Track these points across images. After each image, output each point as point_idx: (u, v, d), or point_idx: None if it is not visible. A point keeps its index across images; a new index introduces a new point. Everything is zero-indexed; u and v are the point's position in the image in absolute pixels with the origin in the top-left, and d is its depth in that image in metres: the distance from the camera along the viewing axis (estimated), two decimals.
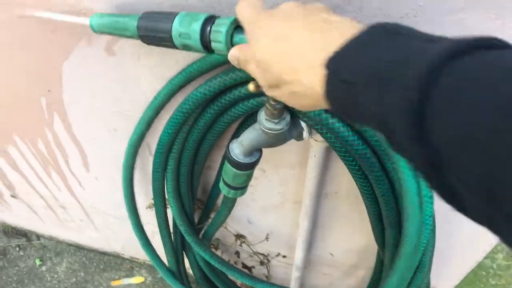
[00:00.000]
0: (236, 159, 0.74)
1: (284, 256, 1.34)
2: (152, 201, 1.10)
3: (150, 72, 0.84)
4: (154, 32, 0.61)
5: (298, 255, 1.18)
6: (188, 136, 0.88)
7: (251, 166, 0.76)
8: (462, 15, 0.57)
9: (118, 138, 1.05)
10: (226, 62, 0.64)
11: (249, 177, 0.80)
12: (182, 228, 1.07)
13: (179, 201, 1.01)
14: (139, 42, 0.65)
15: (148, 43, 0.64)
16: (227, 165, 0.77)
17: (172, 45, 0.61)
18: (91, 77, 0.91)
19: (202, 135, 0.87)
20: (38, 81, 0.97)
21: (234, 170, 0.76)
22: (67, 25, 0.79)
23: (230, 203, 0.92)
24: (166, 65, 0.81)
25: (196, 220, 1.16)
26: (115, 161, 1.09)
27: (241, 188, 0.82)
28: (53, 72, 0.93)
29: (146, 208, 1.28)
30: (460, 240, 0.98)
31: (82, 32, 0.81)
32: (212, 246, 1.34)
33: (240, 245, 1.34)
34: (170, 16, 0.60)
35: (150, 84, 0.86)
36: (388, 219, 0.81)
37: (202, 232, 1.17)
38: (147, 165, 1.09)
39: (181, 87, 0.80)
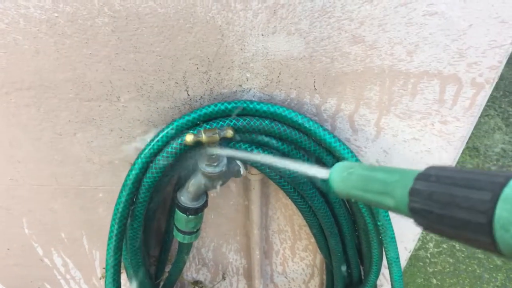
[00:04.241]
0: (185, 205, 0.82)
1: None
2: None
3: None
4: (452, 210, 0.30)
5: (257, 286, 1.24)
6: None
7: (200, 210, 0.84)
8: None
9: None
10: None
11: (200, 220, 0.87)
12: None
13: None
14: None
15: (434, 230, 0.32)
16: (178, 213, 0.83)
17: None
18: None
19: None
20: None
21: (185, 216, 0.83)
22: None
23: (186, 249, 0.97)
24: None
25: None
26: None
27: (195, 232, 0.88)
28: None
29: (100, 278, 1.27)
30: None
31: None
32: None
33: None
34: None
35: None
36: (328, 229, 0.92)
37: (161, 286, 1.19)
38: None
39: None
